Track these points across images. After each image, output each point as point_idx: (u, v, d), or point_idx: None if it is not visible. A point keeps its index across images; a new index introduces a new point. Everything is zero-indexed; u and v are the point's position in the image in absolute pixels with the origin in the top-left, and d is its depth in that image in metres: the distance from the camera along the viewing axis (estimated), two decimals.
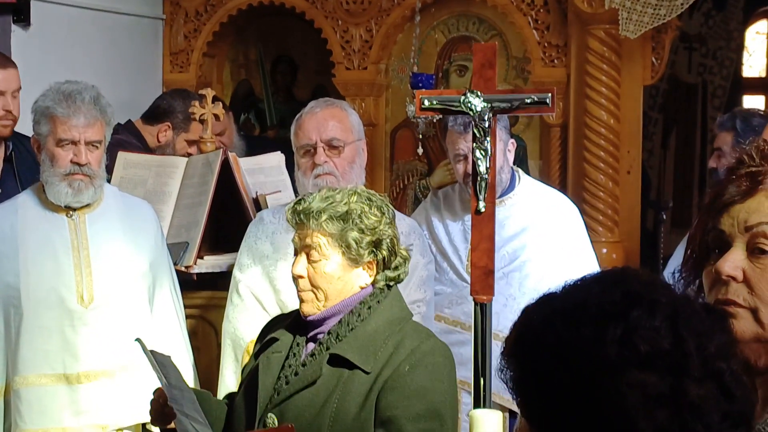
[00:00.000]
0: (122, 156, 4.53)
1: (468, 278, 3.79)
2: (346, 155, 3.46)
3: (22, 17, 5.09)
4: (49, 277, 3.48)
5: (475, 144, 3.35)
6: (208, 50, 6.28)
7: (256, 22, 6.58)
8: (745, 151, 1.57)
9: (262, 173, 4.57)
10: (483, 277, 3.36)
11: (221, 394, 3.44)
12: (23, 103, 4.12)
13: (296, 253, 2.67)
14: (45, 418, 3.46)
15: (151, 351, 2.68)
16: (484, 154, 3.33)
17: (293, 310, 2.79)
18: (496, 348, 3.54)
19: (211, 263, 4.33)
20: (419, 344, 2.59)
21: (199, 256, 4.28)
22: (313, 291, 2.62)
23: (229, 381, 3.55)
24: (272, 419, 2.55)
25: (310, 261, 2.62)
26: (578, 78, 5.45)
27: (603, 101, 5.35)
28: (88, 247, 3.53)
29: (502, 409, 3.62)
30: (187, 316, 3.94)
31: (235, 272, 3.63)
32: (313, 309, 2.63)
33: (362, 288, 2.65)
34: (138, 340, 2.75)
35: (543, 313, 1.23)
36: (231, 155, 4.39)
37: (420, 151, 5.37)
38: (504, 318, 3.83)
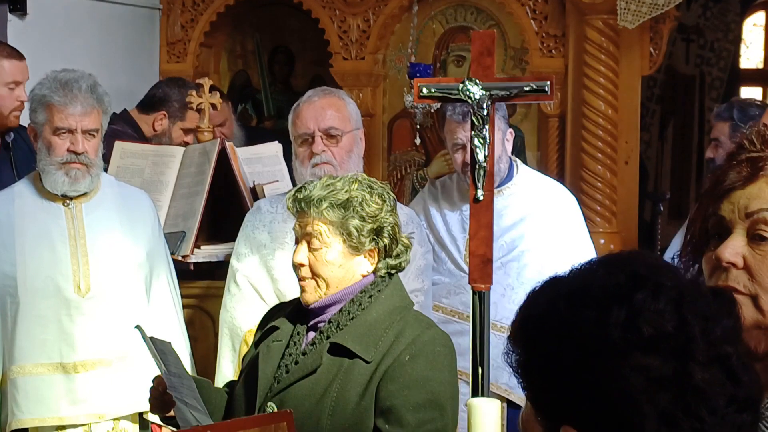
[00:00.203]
0: (119, 146, 4.52)
1: (466, 268, 3.78)
2: (344, 144, 3.45)
3: (19, 7, 5.08)
4: (45, 266, 3.47)
5: (473, 132, 3.34)
6: (205, 40, 6.26)
7: (254, 12, 6.57)
8: (746, 136, 1.56)
9: (260, 163, 4.56)
10: (481, 266, 3.35)
11: (218, 383, 3.43)
12: None
13: (297, 242, 2.65)
14: (42, 408, 3.45)
15: (151, 338, 2.68)
16: (482, 142, 3.32)
17: (294, 298, 2.77)
18: (495, 339, 3.54)
19: (208, 253, 4.32)
20: (420, 334, 2.58)
21: (196, 246, 4.27)
22: (314, 279, 2.61)
23: (226, 370, 3.54)
24: (272, 408, 2.54)
25: (311, 249, 2.61)
26: (576, 68, 5.45)
27: (601, 91, 5.35)
28: (85, 236, 3.52)
29: (500, 399, 3.62)
30: (184, 306, 3.94)
31: (233, 261, 3.62)
32: (314, 297, 2.62)
33: (364, 276, 2.64)
34: (138, 327, 2.74)
35: (548, 295, 1.22)
36: (228, 145, 4.38)
37: (417, 141, 5.36)
38: (502, 308, 3.83)
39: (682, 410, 1.14)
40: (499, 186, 3.87)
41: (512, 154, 4.07)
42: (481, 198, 3.35)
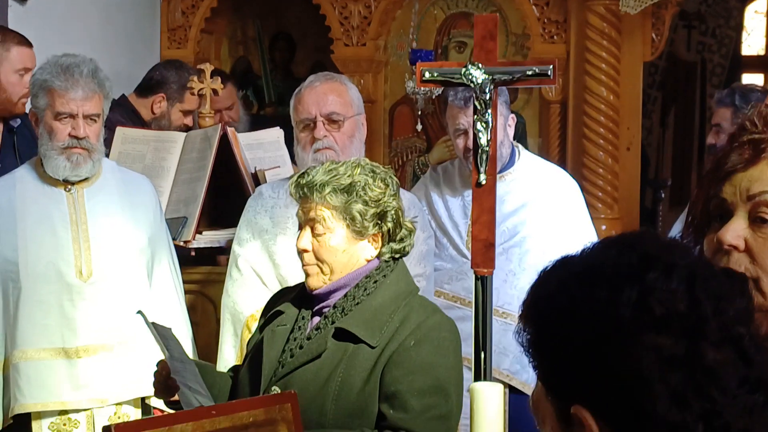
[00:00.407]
0: (120, 131, 4.51)
1: (468, 254, 3.77)
2: (346, 129, 3.44)
3: None
4: (47, 252, 3.46)
5: (476, 117, 3.33)
6: (206, 27, 6.24)
7: None
8: (747, 117, 1.55)
9: (261, 148, 4.55)
10: (484, 250, 3.34)
11: (220, 368, 3.42)
12: None
13: (301, 227, 2.64)
14: (44, 392, 3.45)
15: (153, 323, 2.67)
16: (485, 126, 3.31)
17: (299, 283, 2.77)
18: (496, 324, 3.54)
19: (209, 238, 4.31)
20: (425, 319, 2.57)
21: (198, 231, 4.27)
22: (318, 265, 2.60)
23: (228, 356, 3.54)
24: (276, 392, 2.54)
25: (314, 234, 2.60)
26: (578, 54, 5.44)
27: (603, 77, 5.34)
28: (87, 221, 3.51)
29: (502, 384, 3.61)
30: (186, 291, 3.93)
31: (235, 247, 3.61)
32: (318, 283, 2.61)
33: (368, 261, 2.63)
34: (140, 312, 2.73)
35: (559, 275, 1.21)
36: (230, 130, 4.37)
37: (419, 127, 5.36)
38: (504, 294, 3.82)
39: (694, 390, 1.13)
40: (500, 171, 3.86)
41: (514, 140, 4.06)
42: (484, 182, 3.34)
